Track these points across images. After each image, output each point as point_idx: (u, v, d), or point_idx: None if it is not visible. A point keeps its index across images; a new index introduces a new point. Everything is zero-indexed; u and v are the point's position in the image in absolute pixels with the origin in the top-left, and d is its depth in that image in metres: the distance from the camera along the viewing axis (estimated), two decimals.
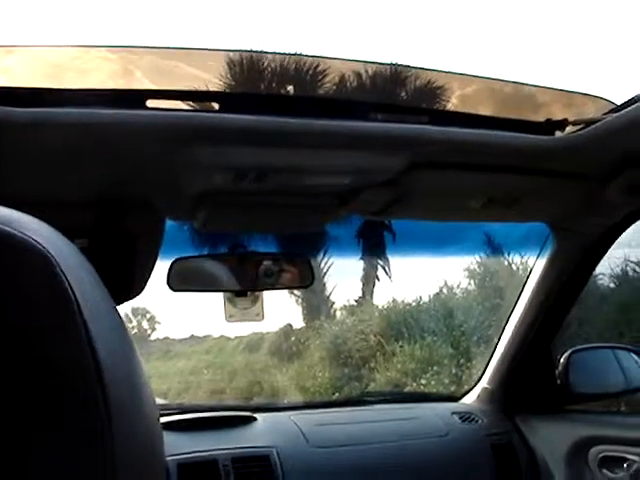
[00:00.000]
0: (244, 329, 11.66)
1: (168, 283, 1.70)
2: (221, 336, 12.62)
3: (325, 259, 8.56)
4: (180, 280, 1.72)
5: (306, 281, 1.83)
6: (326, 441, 2.08)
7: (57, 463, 0.46)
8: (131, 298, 1.66)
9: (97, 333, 0.49)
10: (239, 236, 2.03)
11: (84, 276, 0.53)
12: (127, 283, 1.60)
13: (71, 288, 0.48)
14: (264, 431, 2.10)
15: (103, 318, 0.53)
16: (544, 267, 2.07)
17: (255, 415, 2.17)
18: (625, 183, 1.56)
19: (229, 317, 1.81)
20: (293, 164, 1.34)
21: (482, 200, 1.62)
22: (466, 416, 2.27)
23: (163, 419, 2.06)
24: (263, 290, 1.83)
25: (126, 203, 1.43)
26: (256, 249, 1.88)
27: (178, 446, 1.94)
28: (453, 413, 2.30)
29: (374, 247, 7.87)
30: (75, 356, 0.47)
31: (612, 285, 5.50)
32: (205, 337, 13.04)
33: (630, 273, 5.46)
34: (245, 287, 1.80)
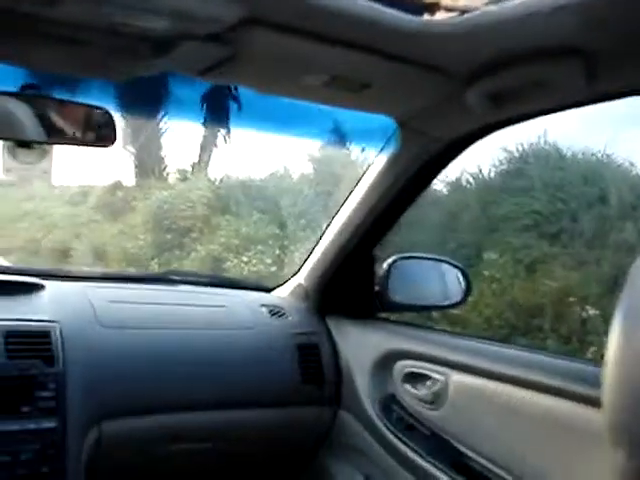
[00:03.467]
0: (70, 179, 11.12)
1: None
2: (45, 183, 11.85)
3: (165, 119, 8.16)
4: None
5: (107, 141, 1.52)
6: (118, 321, 1.87)
7: None
8: None
9: None
10: (37, 75, 1.66)
11: None
12: None
13: None
14: (51, 302, 1.84)
15: None
16: (382, 167, 1.88)
17: (44, 283, 1.90)
18: (489, 87, 1.37)
19: (6, 171, 1.49)
20: None
21: (324, 78, 1.38)
22: (275, 310, 2.13)
23: None
24: (53, 144, 1.51)
25: None
26: (54, 94, 1.54)
27: None
28: (262, 305, 2.14)
29: (217, 113, 7.52)
30: None
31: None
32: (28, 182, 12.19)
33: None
34: (30, 137, 1.47)
